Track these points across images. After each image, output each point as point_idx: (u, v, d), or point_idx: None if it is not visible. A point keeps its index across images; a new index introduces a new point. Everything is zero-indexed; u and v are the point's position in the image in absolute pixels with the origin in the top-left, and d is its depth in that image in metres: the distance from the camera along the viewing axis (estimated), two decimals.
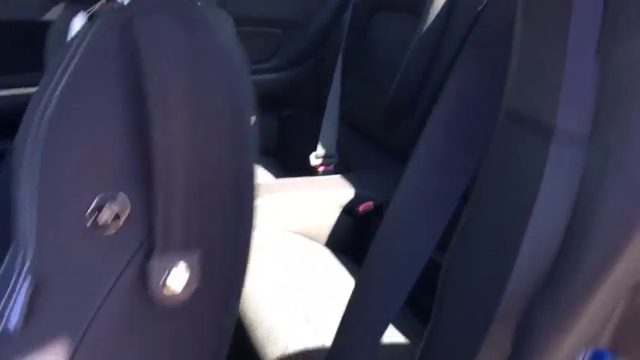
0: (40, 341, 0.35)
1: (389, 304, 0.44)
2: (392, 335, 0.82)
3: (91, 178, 0.34)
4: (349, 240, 1.11)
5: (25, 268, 0.34)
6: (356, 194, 1.12)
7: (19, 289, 0.33)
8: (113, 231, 0.34)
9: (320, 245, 1.09)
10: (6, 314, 0.34)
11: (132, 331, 0.38)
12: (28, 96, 1.31)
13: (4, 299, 0.34)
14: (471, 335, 0.36)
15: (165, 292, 0.37)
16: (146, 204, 0.35)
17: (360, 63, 1.42)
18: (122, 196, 0.34)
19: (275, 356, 0.76)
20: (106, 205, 0.34)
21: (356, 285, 0.48)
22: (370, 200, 1.10)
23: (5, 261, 0.36)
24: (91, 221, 0.34)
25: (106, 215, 0.34)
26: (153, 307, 0.37)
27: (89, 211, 0.34)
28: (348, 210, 1.11)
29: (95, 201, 0.34)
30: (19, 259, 0.34)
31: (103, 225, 0.34)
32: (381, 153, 1.30)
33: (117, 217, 0.34)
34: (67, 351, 0.35)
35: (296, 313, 0.84)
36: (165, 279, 0.37)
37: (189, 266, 0.37)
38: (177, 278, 0.37)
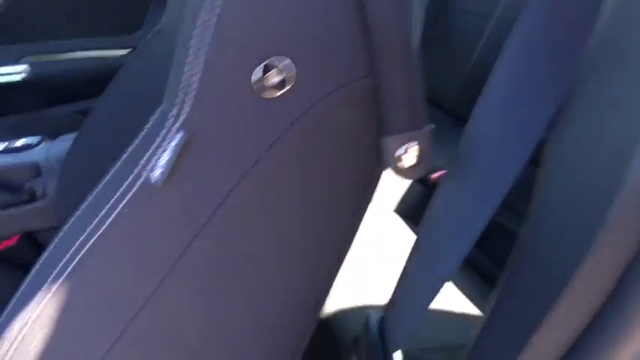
0: (180, 198, 0.35)
1: (447, 261, 0.43)
2: (453, 295, 0.80)
3: (263, 40, 0.34)
4: (419, 208, 1.09)
5: (177, 124, 0.34)
6: None
7: (168, 143, 0.34)
8: (276, 96, 0.34)
9: (389, 212, 1.07)
10: (150, 166, 0.34)
11: (277, 198, 0.38)
12: (123, 56, 1.38)
13: (149, 152, 0.35)
14: (576, 242, 0.31)
15: (399, 166, 0.38)
16: (313, 75, 0.35)
17: (440, 33, 1.38)
18: (289, 63, 0.34)
19: (332, 310, 0.77)
20: (274, 69, 0.33)
21: (417, 239, 0.47)
22: (443, 169, 1.07)
23: (156, 115, 0.36)
24: (255, 83, 0.34)
25: (272, 79, 0.33)
26: (308, 177, 0.38)
27: (255, 72, 0.33)
28: (420, 178, 1.09)
29: (263, 63, 0.33)
30: (173, 113, 0.34)
31: (267, 88, 0.34)
32: (458, 126, 1.26)
33: (282, 83, 0.34)
34: (205, 213, 0.36)
35: (357, 275, 0.83)
36: (401, 155, 0.38)
37: (421, 143, 0.38)
38: (412, 155, 0.38)
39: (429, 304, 0.43)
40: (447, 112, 1.31)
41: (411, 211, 1.08)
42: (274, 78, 0.34)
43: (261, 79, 0.34)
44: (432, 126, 0.40)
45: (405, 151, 0.39)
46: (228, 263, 0.40)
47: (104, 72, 1.44)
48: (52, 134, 0.97)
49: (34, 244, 0.82)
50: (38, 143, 0.89)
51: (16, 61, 1.36)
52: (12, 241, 0.80)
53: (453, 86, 1.26)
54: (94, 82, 1.41)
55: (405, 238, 0.97)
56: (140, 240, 0.36)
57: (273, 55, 0.34)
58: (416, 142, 0.39)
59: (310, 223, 0.42)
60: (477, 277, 0.89)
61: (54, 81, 1.41)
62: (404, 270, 0.48)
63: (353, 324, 0.74)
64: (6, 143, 0.88)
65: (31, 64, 1.36)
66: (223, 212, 0.37)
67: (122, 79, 0.75)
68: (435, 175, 1.07)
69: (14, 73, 1.35)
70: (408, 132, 0.38)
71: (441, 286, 0.43)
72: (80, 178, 0.78)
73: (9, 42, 1.37)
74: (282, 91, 0.35)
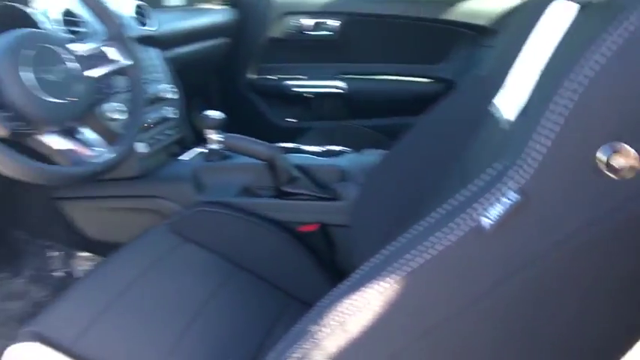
0: (498, 247, 0.40)
1: None
2: None
3: (619, 122, 0.36)
4: None
5: (514, 184, 0.39)
6: None
7: (501, 198, 0.39)
8: (614, 177, 0.36)
9: None
10: (481, 213, 0.40)
11: (583, 269, 0.41)
12: (423, 84, 1.50)
13: (483, 201, 0.40)
14: None
15: None
16: None
17: None
18: (631, 151, 0.36)
19: None
20: (621, 153, 0.36)
21: None
22: None
23: (494, 170, 0.41)
24: (599, 160, 0.36)
25: (618, 161, 0.36)
26: (619, 260, 0.39)
27: (602, 150, 0.36)
28: None
29: (606, 145, 0.36)
30: (511, 173, 0.39)
31: (610, 169, 0.36)
32: None
33: (625, 167, 0.36)
34: (514, 265, 0.40)
35: None
36: None
37: None
38: None
39: None
40: None
41: None
42: (621, 161, 0.35)
43: (606, 159, 0.36)
44: None
45: None
46: (520, 316, 0.42)
47: (404, 95, 1.60)
48: (349, 143, 1.12)
49: (327, 235, 0.97)
50: (348, 152, 1.05)
51: (335, 78, 1.61)
52: (312, 228, 0.96)
53: None
54: (394, 103, 1.58)
55: None
56: (455, 272, 0.42)
57: (622, 139, 0.35)
58: None
59: (605, 309, 0.42)
60: None
61: (360, 97, 1.62)
62: None
63: None
64: (326, 147, 1.06)
65: (346, 81, 1.60)
66: (531, 269, 0.40)
67: (437, 114, 0.82)
68: None
69: (332, 87, 1.61)
70: None
71: None
72: (379, 191, 0.89)
73: (334, 61, 1.63)
74: (623, 176, 0.36)
